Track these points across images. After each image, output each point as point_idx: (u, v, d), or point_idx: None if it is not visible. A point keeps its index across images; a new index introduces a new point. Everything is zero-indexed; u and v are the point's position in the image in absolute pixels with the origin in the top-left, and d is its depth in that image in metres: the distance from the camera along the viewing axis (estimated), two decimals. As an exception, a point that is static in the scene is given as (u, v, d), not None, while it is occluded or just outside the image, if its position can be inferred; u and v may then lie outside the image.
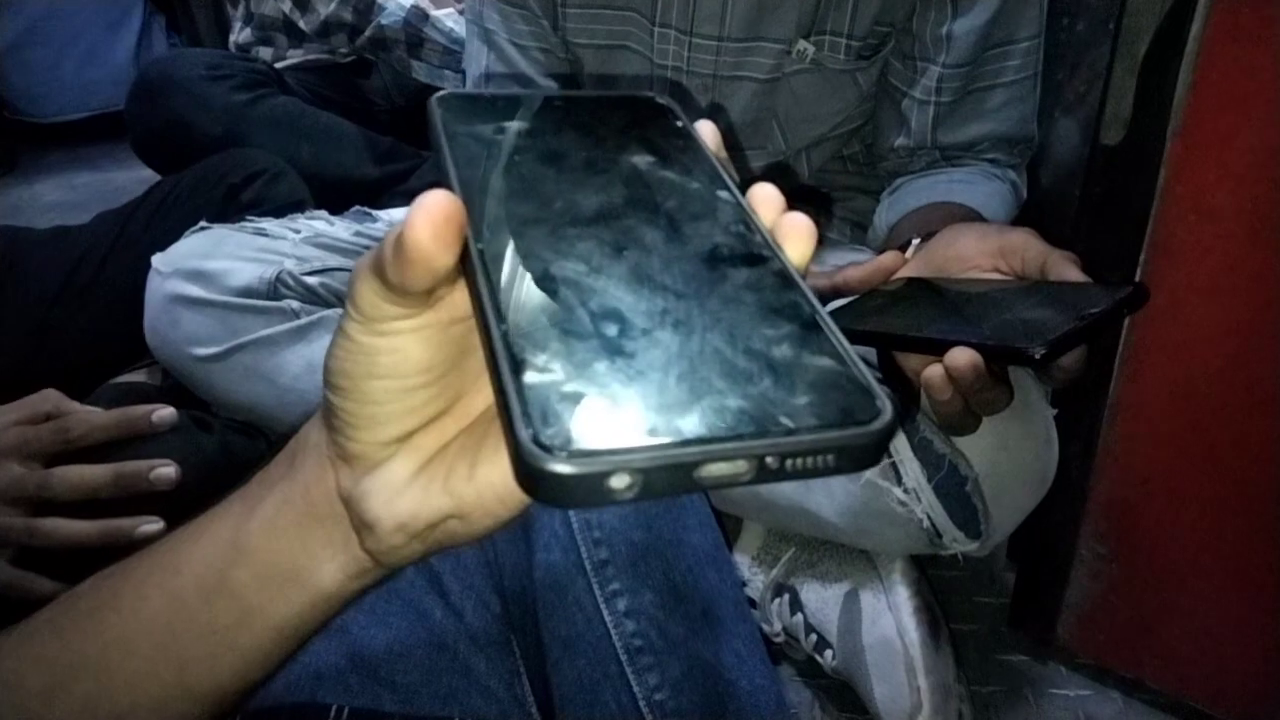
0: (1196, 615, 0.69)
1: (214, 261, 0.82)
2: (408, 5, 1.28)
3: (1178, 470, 0.65)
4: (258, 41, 1.45)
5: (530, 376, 0.21)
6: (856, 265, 0.73)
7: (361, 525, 0.28)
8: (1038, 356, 0.48)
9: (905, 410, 0.60)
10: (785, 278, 0.25)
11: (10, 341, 0.95)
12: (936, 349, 0.53)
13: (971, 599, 0.89)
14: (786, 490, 0.72)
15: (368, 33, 1.30)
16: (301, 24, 1.34)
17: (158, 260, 0.84)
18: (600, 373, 0.21)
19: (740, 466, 0.21)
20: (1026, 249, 0.60)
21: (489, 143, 0.28)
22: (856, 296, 0.68)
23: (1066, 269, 0.56)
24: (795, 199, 0.96)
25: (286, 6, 1.34)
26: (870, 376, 0.22)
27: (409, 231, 0.23)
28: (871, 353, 0.63)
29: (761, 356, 0.22)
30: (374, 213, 0.97)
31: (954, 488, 0.62)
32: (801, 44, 0.80)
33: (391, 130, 1.40)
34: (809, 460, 0.21)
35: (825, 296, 0.71)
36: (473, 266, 0.24)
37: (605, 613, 0.52)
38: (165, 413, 0.65)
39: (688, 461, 0.20)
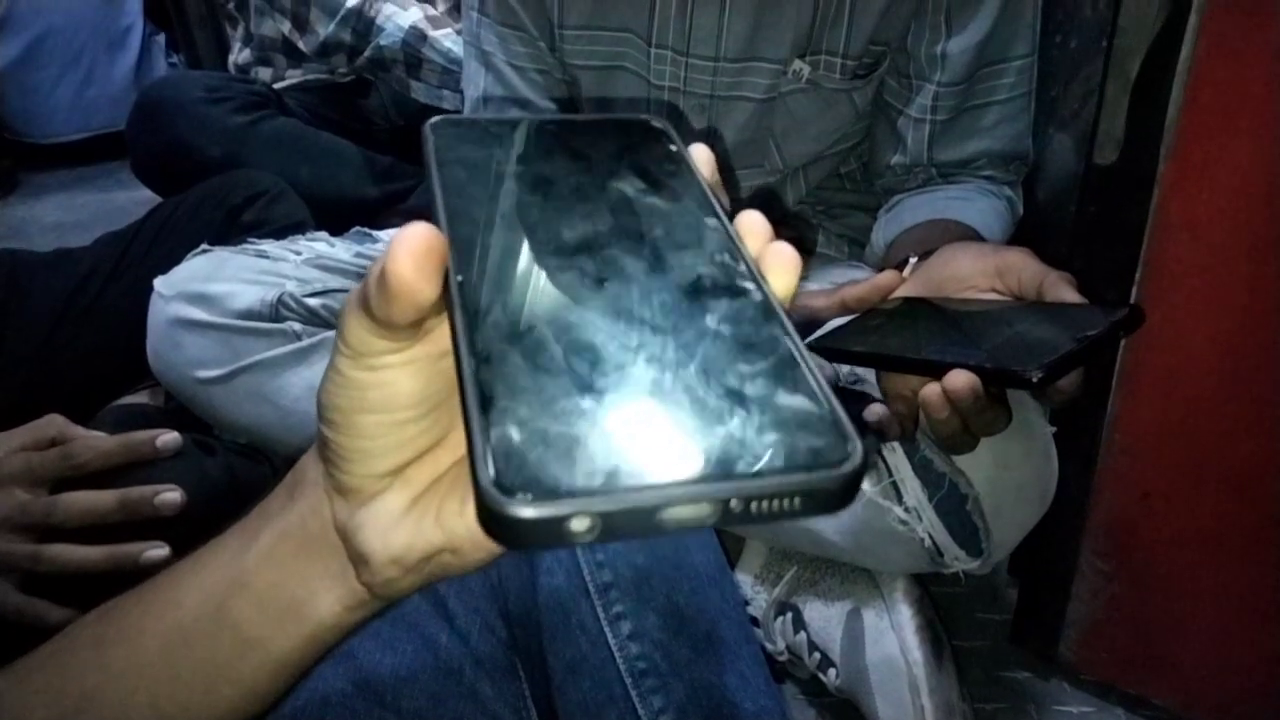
0: (1200, 631, 0.70)
1: (216, 284, 0.83)
2: (406, 26, 1.29)
3: (1177, 486, 0.66)
4: (257, 62, 1.46)
5: (495, 415, 0.21)
6: (855, 284, 0.73)
7: (357, 558, 0.28)
8: (1035, 380, 0.48)
9: (902, 431, 0.60)
10: (767, 310, 0.24)
11: (13, 364, 0.95)
12: (935, 371, 0.54)
13: (974, 615, 0.89)
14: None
15: (366, 53, 1.31)
16: (301, 45, 1.34)
17: (160, 283, 0.85)
18: (566, 411, 0.21)
19: (704, 510, 0.20)
20: (1023, 269, 0.60)
21: (478, 170, 0.28)
22: (854, 316, 0.68)
23: (1063, 290, 0.56)
24: (783, 224, 0.97)
25: (286, 28, 1.35)
26: (844, 416, 0.22)
27: (390, 265, 0.23)
28: (870, 372, 0.64)
29: (734, 394, 0.22)
30: (374, 233, 0.98)
31: (955, 506, 0.63)
32: (797, 64, 0.81)
33: (391, 149, 1.41)
34: (774, 503, 0.21)
35: (823, 315, 0.71)
36: (451, 299, 0.24)
37: (609, 636, 0.52)
38: (169, 438, 0.66)
39: (648, 505, 0.20)
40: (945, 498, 0.63)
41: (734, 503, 0.20)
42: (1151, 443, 0.66)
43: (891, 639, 0.69)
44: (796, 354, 0.23)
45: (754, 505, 0.20)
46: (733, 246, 0.26)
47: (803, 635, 0.76)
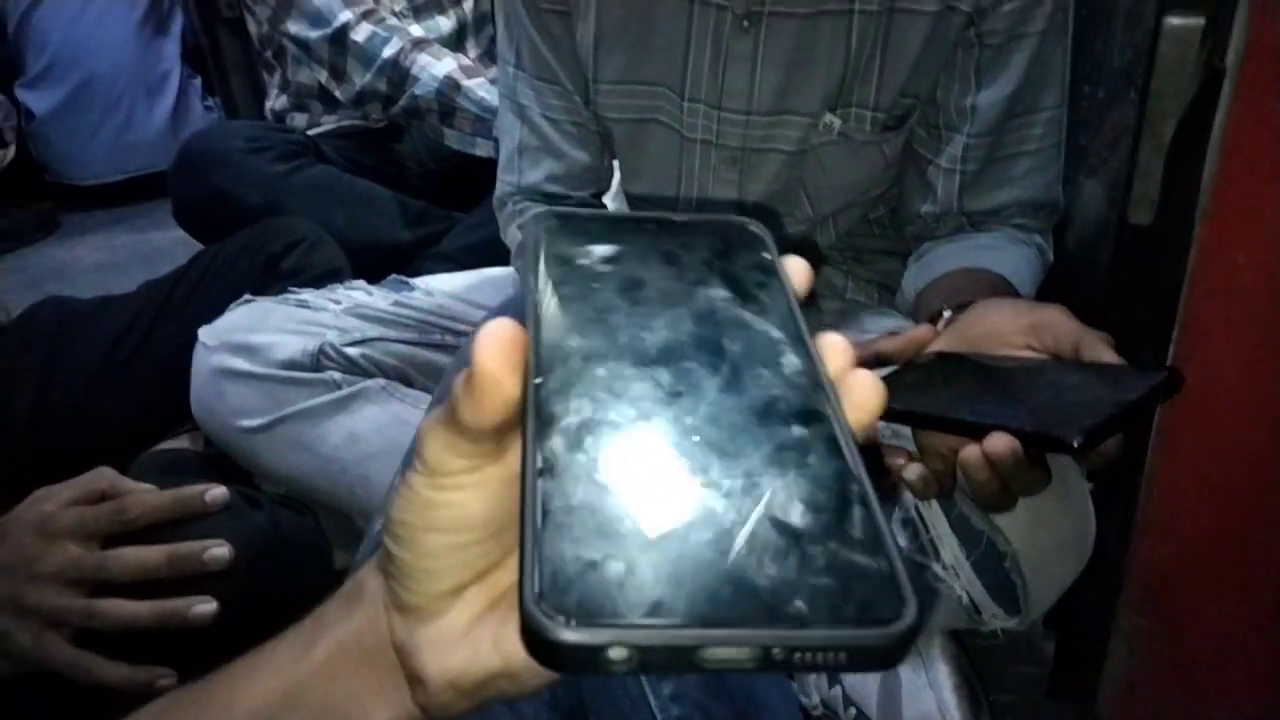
0: (1239, 689, 0.69)
1: (259, 335, 0.85)
2: (440, 76, 1.32)
3: (1217, 545, 0.65)
4: (293, 108, 1.50)
5: (550, 531, 0.21)
6: (889, 336, 0.74)
7: (414, 678, 0.27)
8: (1076, 445, 0.48)
9: (940, 489, 0.60)
10: (835, 445, 0.24)
11: (59, 408, 0.98)
12: (974, 432, 0.54)
13: (1010, 668, 0.88)
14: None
15: (401, 102, 1.34)
16: (337, 93, 1.38)
17: (204, 334, 0.87)
18: (620, 535, 0.21)
19: (743, 654, 0.20)
20: (1059, 327, 0.61)
21: (571, 269, 0.28)
22: (890, 370, 0.69)
23: (1101, 350, 0.57)
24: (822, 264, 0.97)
25: (323, 76, 1.38)
26: (903, 571, 0.21)
27: (478, 358, 0.23)
28: (907, 430, 0.64)
29: (792, 534, 0.21)
30: (410, 281, 1.00)
31: (993, 564, 0.63)
32: (828, 117, 0.82)
33: (424, 193, 1.44)
34: (818, 656, 0.20)
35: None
36: (526, 402, 0.24)
37: (650, 697, 0.52)
38: (218, 493, 0.67)
39: (688, 645, 0.20)
40: (983, 555, 0.63)
41: (776, 650, 0.20)
42: (1190, 500, 0.66)
43: (929, 696, 0.69)
44: (862, 497, 0.22)
45: (797, 656, 0.20)
46: (812, 369, 0.26)
47: (838, 689, 0.76)
